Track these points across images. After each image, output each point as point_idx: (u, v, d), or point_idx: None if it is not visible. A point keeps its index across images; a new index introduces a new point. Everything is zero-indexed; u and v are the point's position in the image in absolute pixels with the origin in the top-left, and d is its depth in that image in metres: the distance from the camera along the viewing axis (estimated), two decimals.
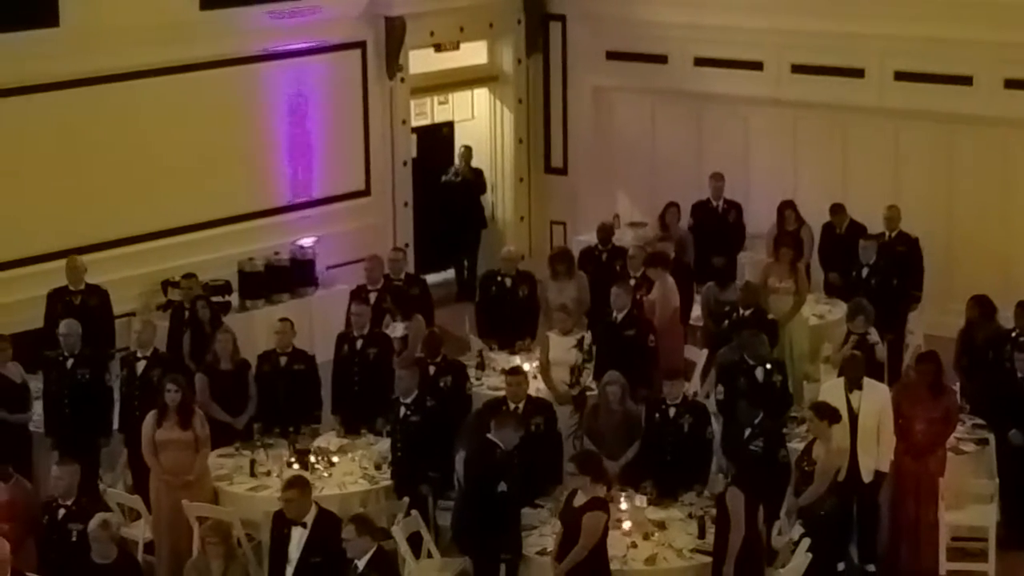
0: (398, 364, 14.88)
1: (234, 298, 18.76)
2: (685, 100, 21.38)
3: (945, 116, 19.42)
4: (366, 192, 20.97)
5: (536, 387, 15.13)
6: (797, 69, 20.41)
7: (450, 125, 22.56)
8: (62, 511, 12.37)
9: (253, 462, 14.19)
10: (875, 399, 13.87)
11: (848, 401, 13.76)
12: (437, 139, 22.34)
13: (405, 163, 21.32)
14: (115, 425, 15.08)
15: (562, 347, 15.44)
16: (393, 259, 17.36)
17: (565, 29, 22.29)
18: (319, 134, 20.29)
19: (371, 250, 18.18)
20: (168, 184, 18.74)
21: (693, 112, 21.46)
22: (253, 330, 17.80)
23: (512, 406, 13.89)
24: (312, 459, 14.20)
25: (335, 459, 14.28)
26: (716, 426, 14.33)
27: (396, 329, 16.31)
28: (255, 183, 19.72)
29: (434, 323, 16.79)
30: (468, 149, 22.01)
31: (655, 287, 16.67)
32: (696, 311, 17.58)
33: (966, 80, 19.27)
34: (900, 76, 19.71)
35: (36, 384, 15.30)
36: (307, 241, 19.72)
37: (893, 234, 18.17)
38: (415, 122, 21.64)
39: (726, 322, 16.29)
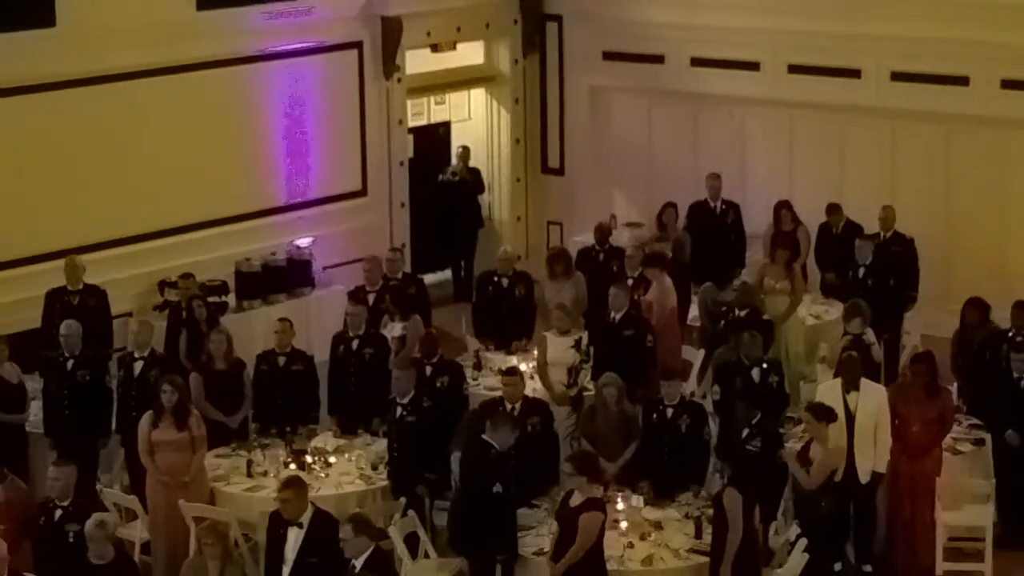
0: (395, 364, 14.88)
1: (231, 298, 18.74)
2: (682, 100, 21.37)
3: (942, 116, 19.41)
4: (363, 192, 20.95)
5: (533, 387, 15.12)
6: (794, 69, 20.39)
7: (447, 125, 22.53)
8: (59, 512, 12.34)
9: (250, 462, 14.18)
10: (872, 400, 13.86)
11: (845, 402, 13.75)
12: (434, 139, 22.32)
13: (402, 163, 21.32)
14: (113, 425, 15.09)
15: (559, 347, 15.44)
16: (390, 259, 17.34)
17: (562, 29, 22.27)
18: (316, 134, 20.27)
19: (368, 250, 18.18)
20: (165, 184, 18.72)
21: (690, 112, 21.44)
22: (250, 330, 17.79)
23: (508, 407, 13.88)
24: (309, 459, 14.21)
25: (332, 459, 14.28)
26: (713, 427, 14.35)
27: (394, 329, 16.30)
28: (252, 183, 19.71)
29: (431, 323, 16.78)
30: (466, 149, 21.99)
31: (652, 287, 16.66)
32: (693, 311, 17.58)
33: (963, 80, 19.26)
34: (897, 76, 19.70)
35: (33, 385, 15.30)
36: (304, 241, 19.71)
37: (889, 234, 18.18)
38: (412, 122, 21.61)
39: (722, 323, 16.30)
